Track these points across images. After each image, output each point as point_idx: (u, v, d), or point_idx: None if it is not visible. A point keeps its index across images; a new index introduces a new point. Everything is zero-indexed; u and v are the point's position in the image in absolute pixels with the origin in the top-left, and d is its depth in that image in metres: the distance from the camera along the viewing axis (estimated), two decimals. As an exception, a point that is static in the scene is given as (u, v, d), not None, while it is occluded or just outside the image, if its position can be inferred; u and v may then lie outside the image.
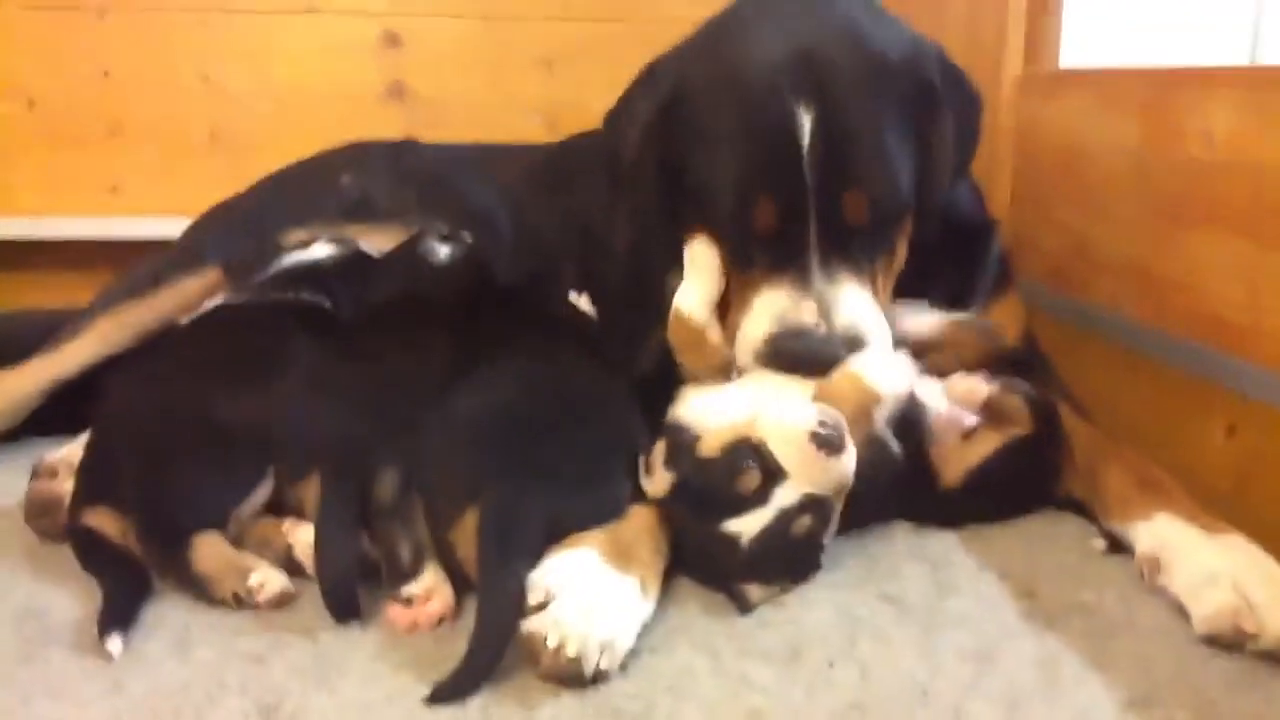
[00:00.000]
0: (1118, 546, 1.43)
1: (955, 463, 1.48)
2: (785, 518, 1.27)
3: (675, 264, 1.68)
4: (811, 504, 1.28)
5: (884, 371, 1.44)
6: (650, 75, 1.65)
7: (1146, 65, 1.82)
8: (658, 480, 1.35)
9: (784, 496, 1.27)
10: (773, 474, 1.27)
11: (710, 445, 1.33)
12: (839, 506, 1.33)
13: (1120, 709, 1.10)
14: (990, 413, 1.48)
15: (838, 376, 1.43)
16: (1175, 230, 1.66)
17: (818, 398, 1.40)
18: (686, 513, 1.33)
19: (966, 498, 1.49)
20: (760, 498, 1.27)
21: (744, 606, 1.29)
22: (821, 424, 1.28)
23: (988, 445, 1.48)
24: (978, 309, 1.69)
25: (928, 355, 1.57)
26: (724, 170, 1.51)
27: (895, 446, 1.44)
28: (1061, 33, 2.13)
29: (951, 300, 1.66)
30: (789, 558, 1.30)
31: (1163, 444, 1.60)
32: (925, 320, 1.59)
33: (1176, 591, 1.29)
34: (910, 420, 1.47)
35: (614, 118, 1.71)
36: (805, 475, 1.27)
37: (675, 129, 1.56)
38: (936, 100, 1.53)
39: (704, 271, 1.54)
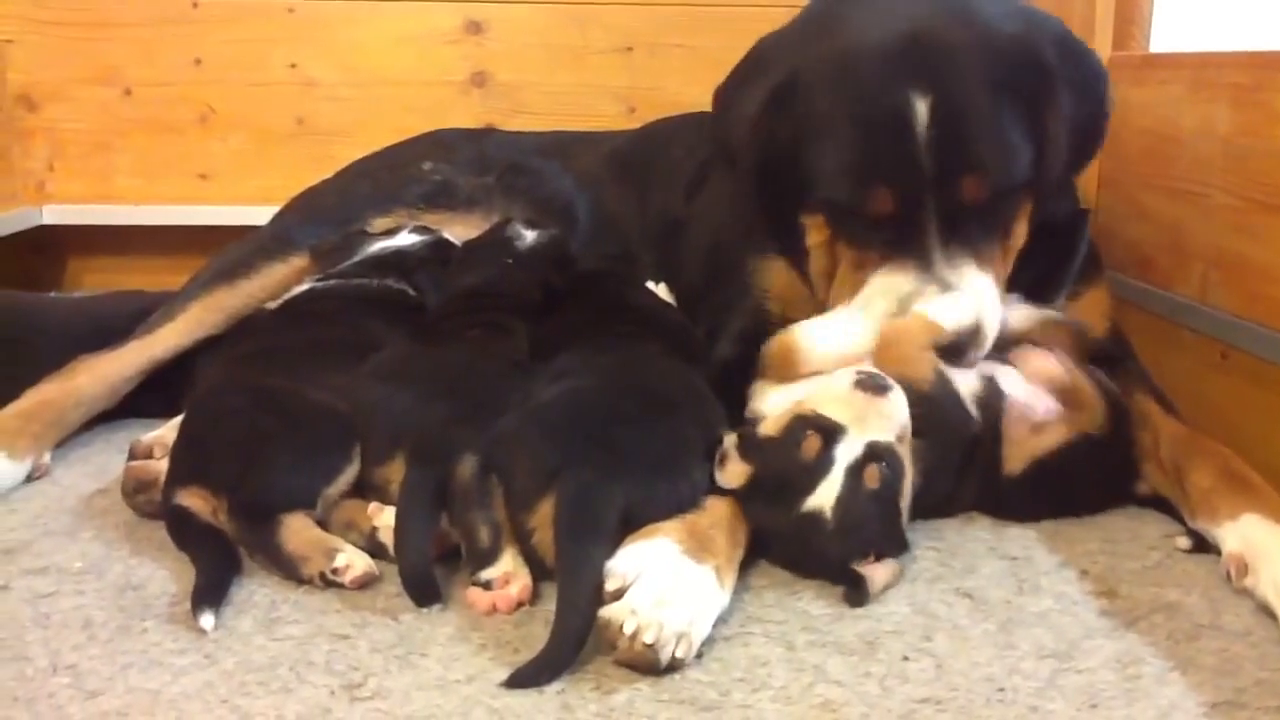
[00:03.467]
0: (1203, 546, 1.41)
1: (1021, 451, 1.47)
2: (855, 471, 1.30)
3: (765, 249, 1.67)
4: (876, 451, 1.31)
5: (945, 306, 1.45)
6: (759, 59, 1.63)
7: (1241, 49, 1.76)
8: (731, 471, 1.37)
9: (847, 451, 1.31)
10: (830, 433, 1.31)
11: (770, 427, 1.39)
12: (907, 457, 1.35)
13: (1203, 711, 1.09)
14: (1066, 400, 1.45)
15: (901, 320, 1.45)
16: (1270, 219, 1.61)
17: (884, 338, 1.43)
18: (766, 509, 1.34)
19: (1026, 489, 1.48)
20: (825, 462, 1.30)
21: (860, 596, 1.28)
22: (860, 373, 1.36)
23: (1055, 438, 1.46)
24: (1064, 299, 1.67)
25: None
26: (840, 158, 1.49)
27: (972, 408, 1.44)
28: (1153, 14, 2.07)
29: (1038, 288, 1.64)
30: (873, 517, 1.31)
31: (1253, 441, 1.56)
32: (1016, 314, 1.57)
33: (1263, 593, 1.26)
34: (988, 403, 1.47)
35: (721, 99, 1.69)
36: (860, 421, 1.32)
37: (787, 116, 1.54)
38: (1050, 78, 1.49)
39: (853, 329, 1.50)
